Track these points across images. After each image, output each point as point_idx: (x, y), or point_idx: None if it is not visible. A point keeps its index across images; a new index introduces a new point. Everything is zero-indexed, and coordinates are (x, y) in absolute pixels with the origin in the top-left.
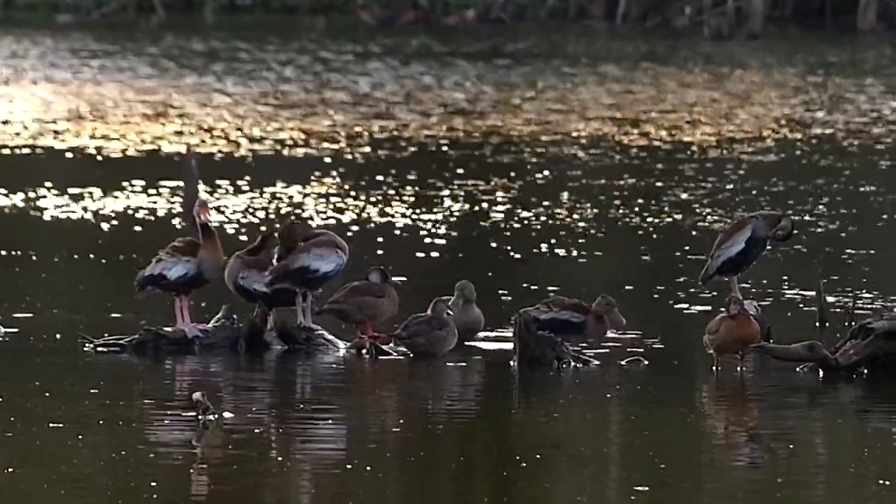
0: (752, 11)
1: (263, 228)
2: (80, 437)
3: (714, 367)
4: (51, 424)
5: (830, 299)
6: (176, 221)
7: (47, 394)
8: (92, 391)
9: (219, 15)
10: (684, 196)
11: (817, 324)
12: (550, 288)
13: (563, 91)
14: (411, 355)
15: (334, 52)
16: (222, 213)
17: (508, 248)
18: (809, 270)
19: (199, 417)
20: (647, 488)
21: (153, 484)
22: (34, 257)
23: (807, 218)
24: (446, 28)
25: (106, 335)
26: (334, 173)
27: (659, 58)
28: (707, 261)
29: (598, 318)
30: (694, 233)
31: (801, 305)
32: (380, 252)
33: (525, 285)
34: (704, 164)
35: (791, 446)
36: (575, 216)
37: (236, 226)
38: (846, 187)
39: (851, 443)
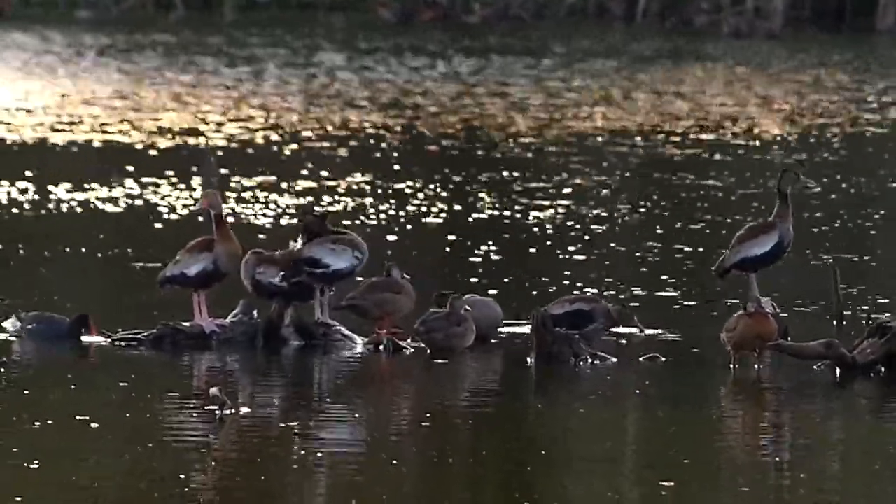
0: (772, 10)
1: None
2: (102, 430)
3: (731, 365)
4: (77, 418)
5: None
6: (188, 215)
7: (73, 387)
8: (122, 384)
9: (237, 12)
10: (701, 193)
11: (834, 322)
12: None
13: (580, 88)
14: (429, 351)
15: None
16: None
17: (523, 245)
18: (826, 269)
19: (217, 412)
20: (672, 484)
21: (177, 477)
22: (42, 251)
23: (826, 218)
24: (465, 25)
25: (120, 329)
26: (354, 168)
27: (677, 56)
28: (725, 253)
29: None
30: (712, 230)
31: (819, 304)
32: (390, 251)
33: (545, 281)
34: (723, 162)
35: (809, 444)
36: (591, 213)
37: (255, 220)
38: (866, 186)
39: (869, 441)
